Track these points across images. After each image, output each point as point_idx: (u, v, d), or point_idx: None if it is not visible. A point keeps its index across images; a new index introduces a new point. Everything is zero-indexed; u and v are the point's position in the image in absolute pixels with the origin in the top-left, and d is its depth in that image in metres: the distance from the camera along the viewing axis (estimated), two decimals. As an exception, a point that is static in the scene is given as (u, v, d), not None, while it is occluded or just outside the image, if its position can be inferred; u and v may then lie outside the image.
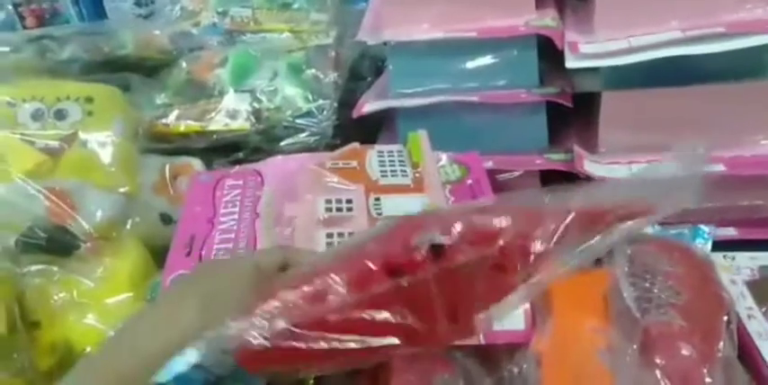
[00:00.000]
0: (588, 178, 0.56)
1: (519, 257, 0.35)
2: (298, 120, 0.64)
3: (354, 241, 0.38)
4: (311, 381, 0.39)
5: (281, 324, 0.31)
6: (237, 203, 0.54)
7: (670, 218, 0.53)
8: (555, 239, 0.35)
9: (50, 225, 0.51)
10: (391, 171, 0.52)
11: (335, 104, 0.66)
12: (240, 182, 0.57)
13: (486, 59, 0.62)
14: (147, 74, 0.72)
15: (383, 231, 0.36)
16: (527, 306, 0.40)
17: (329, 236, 0.45)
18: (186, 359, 0.29)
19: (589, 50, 0.55)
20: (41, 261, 0.52)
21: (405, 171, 0.52)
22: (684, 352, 0.36)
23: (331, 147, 0.62)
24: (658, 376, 0.35)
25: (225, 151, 0.68)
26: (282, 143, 0.65)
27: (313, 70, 0.69)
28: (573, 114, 0.62)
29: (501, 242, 0.35)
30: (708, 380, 0.35)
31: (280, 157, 0.59)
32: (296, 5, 0.76)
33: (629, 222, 0.37)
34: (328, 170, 0.52)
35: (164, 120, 0.67)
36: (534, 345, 0.39)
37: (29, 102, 0.57)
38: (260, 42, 0.76)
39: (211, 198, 0.55)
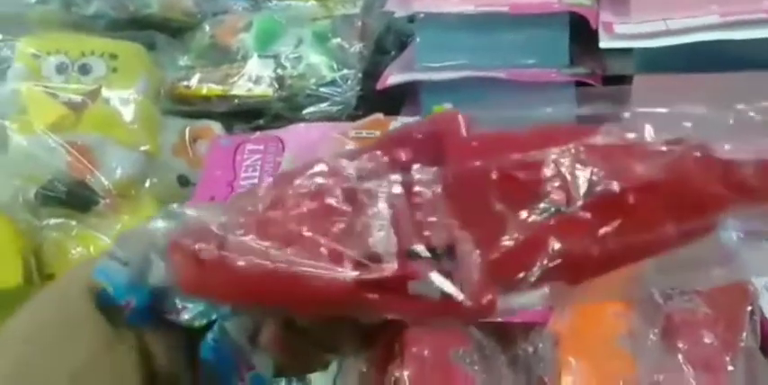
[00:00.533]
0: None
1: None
2: (321, 89, 0.63)
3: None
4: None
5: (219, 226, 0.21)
6: (258, 168, 0.54)
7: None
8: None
9: (71, 179, 0.51)
10: (414, 143, 0.51)
11: (360, 75, 0.65)
12: (261, 147, 0.57)
13: (517, 36, 0.61)
14: (172, 35, 0.71)
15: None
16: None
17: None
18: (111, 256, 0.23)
19: (624, 31, 0.54)
20: (60, 214, 0.52)
21: (428, 144, 0.51)
22: (707, 339, 0.36)
23: (353, 118, 0.61)
24: (681, 361, 0.34)
25: (246, 117, 0.68)
26: (304, 111, 0.64)
27: (338, 39, 0.68)
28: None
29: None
30: (730, 368, 0.34)
31: (302, 125, 0.58)
32: (323, -27, 0.75)
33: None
34: (351, 139, 0.51)
35: (185, 83, 0.66)
36: (552, 326, 0.39)
37: (53, 55, 0.56)
38: (285, 9, 0.75)
39: (231, 162, 0.55)
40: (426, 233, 0.20)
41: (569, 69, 0.60)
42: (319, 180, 0.22)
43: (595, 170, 0.20)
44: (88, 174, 0.51)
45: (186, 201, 0.52)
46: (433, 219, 0.20)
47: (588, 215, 0.20)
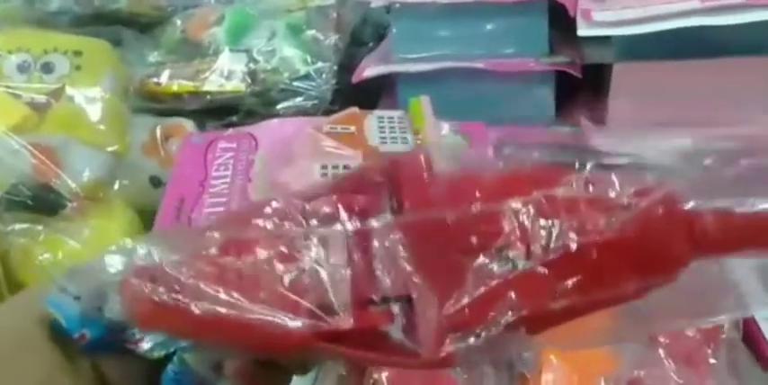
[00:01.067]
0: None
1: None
2: (295, 83, 0.62)
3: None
4: None
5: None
6: (230, 166, 0.52)
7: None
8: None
9: (36, 182, 0.49)
10: (391, 137, 0.50)
11: (335, 68, 0.63)
12: (233, 144, 0.55)
13: (495, 25, 0.60)
14: (140, 30, 0.69)
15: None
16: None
17: (324, 202, 0.43)
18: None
19: (603, 18, 0.53)
20: (26, 219, 0.50)
21: (405, 138, 0.50)
22: (689, 332, 0.35)
23: (329, 113, 0.59)
24: (662, 355, 0.34)
25: (219, 114, 0.66)
26: (279, 106, 0.62)
27: (313, 31, 0.66)
28: (582, 87, 0.60)
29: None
30: (711, 360, 0.34)
31: (275, 121, 0.57)
32: (297, -37, 0.73)
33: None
34: (325, 134, 0.50)
35: (156, 79, 0.64)
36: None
37: (15, 54, 0.54)
38: (258, 1, 0.73)
39: (203, 160, 0.53)
40: (384, 282, 0.20)
41: (549, 58, 0.59)
42: (272, 223, 0.21)
43: (557, 223, 0.20)
44: (54, 177, 0.49)
45: (159, 202, 0.50)
46: (390, 268, 0.20)
47: (548, 271, 0.19)
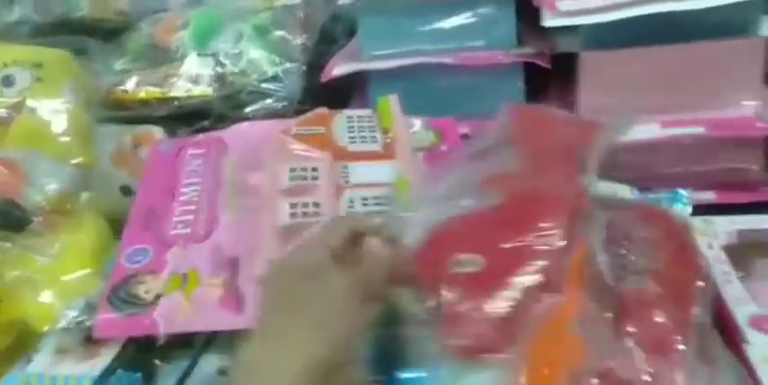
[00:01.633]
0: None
1: None
2: (264, 85, 0.61)
3: None
4: None
5: None
6: (199, 173, 0.51)
7: (650, 182, 0.52)
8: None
9: (0, 199, 0.48)
10: (360, 137, 0.50)
11: (304, 68, 0.62)
12: (202, 150, 0.54)
13: (462, 19, 0.59)
14: (105, 37, 0.68)
15: None
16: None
17: (292, 206, 0.43)
18: None
19: (568, 7, 0.53)
20: (-7, 237, 0.49)
21: (374, 137, 0.49)
22: (658, 319, 0.35)
23: (300, 113, 0.58)
24: (631, 344, 0.33)
25: (189, 119, 0.65)
26: (248, 109, 0.62)
27: (280, 32, 0.65)
28: (552, 77, 0.60)
29: None
30: (681, 347, 0.33)
31: (245, 124, 0.56)
32: (265, -38, 0.72)
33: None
34: (294, 137, 0.49)
35: (122, 87, 0.63)
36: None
37: (-27, 68, 0.53)
38: (225, 3, 0.72)
39: (172, 168, 0.53)
40: None
41: (517, 50, 0.58)
42: None
43: None
44: (18, 192, 0.48)
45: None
46: None
47: None
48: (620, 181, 0.51)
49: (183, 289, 0.42)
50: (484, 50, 0.58)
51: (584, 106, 0.55)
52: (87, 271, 0.49)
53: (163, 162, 0.53)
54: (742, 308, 0.39)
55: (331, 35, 0.73)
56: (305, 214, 0.42)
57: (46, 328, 0.47)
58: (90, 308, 0.43)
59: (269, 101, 0.61)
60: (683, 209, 0.47)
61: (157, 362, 0.42)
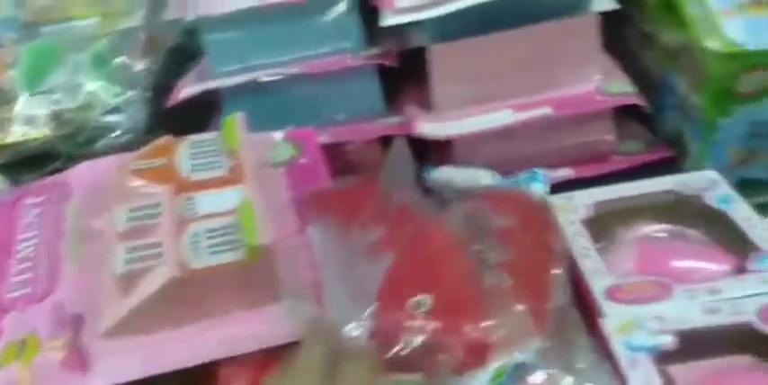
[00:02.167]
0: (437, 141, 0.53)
1: None
2: (107, 118, 0.57)
3: None
4: None
5: None
6: (36, 225, 0.47)
7: (512, 166, 0.51)
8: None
9: None
10: (204, 164, 0.46)
11: (148, 94, 0.58)
12: (42, 198, 0.50)
13: (306, 26, 0.57)
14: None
15: None
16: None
17: (129, 250, 0.39)
18: None
19: (405, 4, 0.51)
20: None
21: (219, 161, 0.46)
22: (518, 309, 0.35)
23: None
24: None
25: (38, 163, 0.60)
26: (97, 145, 0.57)
27: (122, 58, 0.61)
28: (410, 75, 0.59)
29: None
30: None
31: (85, 164, 0.52)
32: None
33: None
34: (132, 173, 0.45)
35: (-45, 138, 0.57)
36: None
37: None
38: (62, 33, 0.67)
39: (7, 222, 0.48)
40: None
41: (364, 51, 0.57)
42: None
43: None
44: None
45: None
46: None
47: None
48: (483, 167, 0.50)
49: (20, 357, 0.38)
50: (331, 56, 0.57)
51: (437, 97, 0.55)
52: None
53: (-2, 216, 0.48)
54: (599, 282, 0.39)
55: (183, 55, 0.69)
56: (142, 258, 0.38)
57: None
58: None
59: (115, 134, 0.56)
60: (541, 188, 0.46)
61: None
